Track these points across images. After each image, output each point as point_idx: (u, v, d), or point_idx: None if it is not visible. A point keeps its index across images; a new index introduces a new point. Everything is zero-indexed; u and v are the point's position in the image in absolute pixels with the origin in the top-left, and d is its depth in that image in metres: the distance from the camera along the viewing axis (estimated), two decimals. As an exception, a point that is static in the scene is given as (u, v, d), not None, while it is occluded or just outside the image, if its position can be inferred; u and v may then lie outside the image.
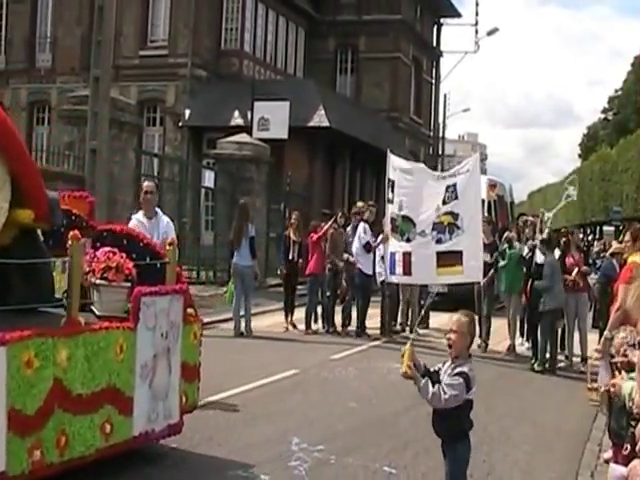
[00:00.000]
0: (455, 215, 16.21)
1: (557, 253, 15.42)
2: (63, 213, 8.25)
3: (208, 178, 26.25)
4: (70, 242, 6.91)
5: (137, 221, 11.02)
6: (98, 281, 7.56)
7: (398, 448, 9.05)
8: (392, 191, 17.02)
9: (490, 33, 52.79)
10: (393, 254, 16.83)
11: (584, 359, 14.83)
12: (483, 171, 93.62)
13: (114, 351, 7.14)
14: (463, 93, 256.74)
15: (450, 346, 6.16)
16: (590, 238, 62.62)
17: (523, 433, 10.05)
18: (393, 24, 45.33)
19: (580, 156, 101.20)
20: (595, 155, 74.52)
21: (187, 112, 35.23)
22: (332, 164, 37.43)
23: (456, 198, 16.29)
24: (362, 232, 17.81)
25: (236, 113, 33.40)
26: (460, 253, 16.08)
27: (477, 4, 54.32)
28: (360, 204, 19.59)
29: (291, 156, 32.94)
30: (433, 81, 53.90)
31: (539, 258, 14.95)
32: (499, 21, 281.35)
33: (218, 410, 10.34)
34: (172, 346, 7.97)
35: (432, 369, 6.24)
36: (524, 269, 16.15)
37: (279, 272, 18.76)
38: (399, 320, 18.82)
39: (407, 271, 16.69)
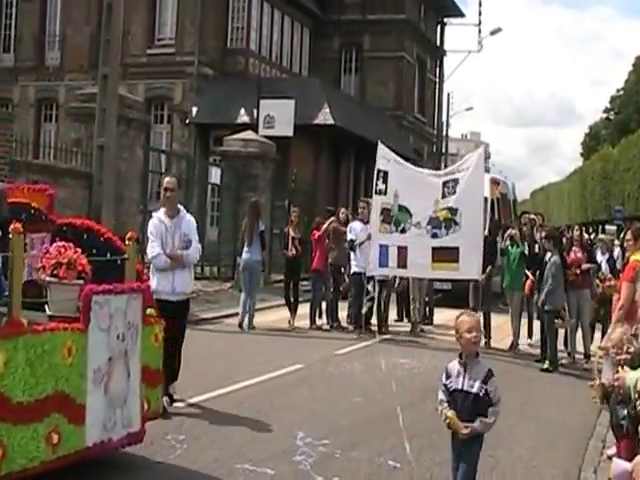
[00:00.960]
0: (454, 210, 16.10)
1: None
2: (21, 206, 7.91)
3: (214, 175, 26.34)
4: (11, 236, 6.36)
5: (158, 220, 10.26)
6: (48, 278, 7.02)
7: (403, 443, 9.02)
8: (384, 182, 16.77)
9: (493, 33, 52.84)
10: (384, 246, 16.57)
11: (587, 356, 14.92)
12: (487, 169, 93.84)
13: (61, 354, 6.55)
14: (466, 92, 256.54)
15: (476, 344, 6.15)
16: (592, 237, 62.48)
17: (527, 429, 10.11)
18: (397, 24, 45.41)
19: (582, 155, 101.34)
20: (597, 154, 74.51)
21: (194, 109, 35.36)
22: (337, 161, 37.52)
23: (454, 193, 16.18)
24: (348, 231, 17.83)
25: (242, 111, 33.52)
26: (456, 249, 16.00)
27: (480, 4, 54.25)
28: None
29: (296, 153, 33.05)
30: (437, 80, 53.99)
31: (547, 256, 14.99)
32: (502, 21, 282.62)
33: (224, 404, 10.41)
34: (130, 349, 7.37)
35: (447, 398, 6.16)
36: (525, 266, 16.24)
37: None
38: (412, 319, 18.50)
39: (402, 264, 16.53)
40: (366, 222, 17.37)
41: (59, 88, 38.27)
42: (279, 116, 29.87)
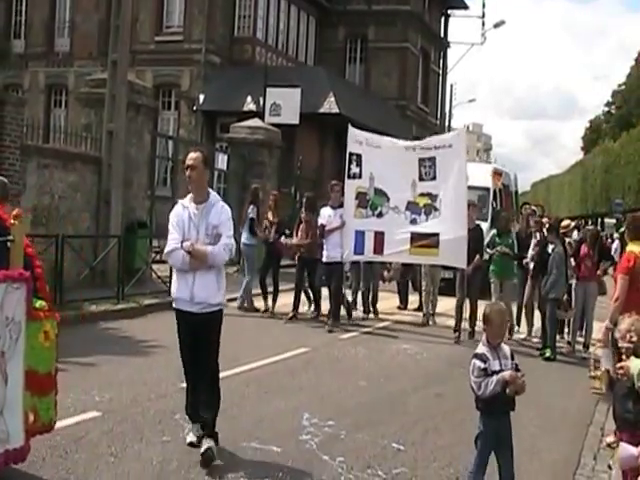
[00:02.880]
0: (433, 196, 15.66)
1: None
2: None
3: (221, 161, 26.55)
4: None
5: (181, 207, 7.91)
6: None
7: (407, 426, 9.24)
8: (358, 165, 16.28)
9: (497, 26, 53.24)
10: (360, 233, 16.14)
11: (586, 346, 15.07)
12: (488, 161, 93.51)
13: None
14: (470, 84, 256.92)
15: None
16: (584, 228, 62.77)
17: (529, 416, 10.06)
18: (402, 15, 45.63)
19: (583, 149, 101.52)
20: (598, 148, 74.80)
21: (201, 97, 35.57)
22: (341, 149, 37.53)
23: (434, 178, 15.67)
24: (319, 218, 16.67)
25: (249, 98, 33.74)
26: (436, 236, 15.53)
27: (484, -3, 54.77)
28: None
29: (302, 141, 33.27)
30: (440, 71, 54.22)
31: (550, 247, 15.05)
32: (507, 14, 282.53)
33: (232, 384, 10.45)
34: (9, 349, 6.14)
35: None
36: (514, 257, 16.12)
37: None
38: (423, 310, 17.83)
39: (379, 250, 16.09)
40: (336, 207, 16.45)
41: (68, 74, 38.58)
42: (285, 104, 30.07)
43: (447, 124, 57.31)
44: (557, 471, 8.23)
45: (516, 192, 32.55)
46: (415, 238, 15.75)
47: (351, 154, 16.43)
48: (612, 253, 41.90)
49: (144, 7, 35.84)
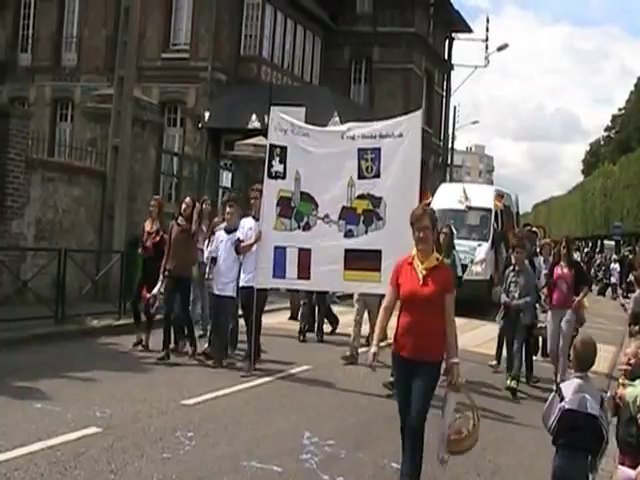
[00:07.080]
0: (375, 200, 12.12)
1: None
2: None
3: (225, 178, 26.68)
4: None
5: None
6: None
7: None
8: (282, 161, 12.65)
9: (500, 49, 53.59)
10: (281, 249, 12.64)
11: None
12: (490, 182, 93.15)
13: None
14: (473, 105, 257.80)
15: None
16: (590, 250, 63.64)
17: (527, 436, 10.16)
18: (406, 37, 45.82)
19: (583, 172, 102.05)
20: (598, 170, 75.31)
21: (207, 114, 35.64)
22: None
23: (377, 175, 12.12)
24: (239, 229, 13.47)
25: (254, 116, 33.75)
26: (378, 253, 11.94)
27: (488, 20, 55.18)
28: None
29: (305, 159, 33.29)
30: (444, 93, 54.39)
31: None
32: (509, 37, 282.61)
33: (233, 402, 10.62)
34: None
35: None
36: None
37: None
38: (354, 343, 14.78)
39: (305, 274, 12.55)
40: (258, 218, 13.13)
41: (75, 88, 38.56)
42: (290, 123, 30.11)
43: (450, 145, 57.52)
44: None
45: (517, 213, 32.71)
46: (350, 258, 12.20)
47: (273, 146, 12.78)
48: (611, 274, 42.18)
49: (151, 24, 35.96)
